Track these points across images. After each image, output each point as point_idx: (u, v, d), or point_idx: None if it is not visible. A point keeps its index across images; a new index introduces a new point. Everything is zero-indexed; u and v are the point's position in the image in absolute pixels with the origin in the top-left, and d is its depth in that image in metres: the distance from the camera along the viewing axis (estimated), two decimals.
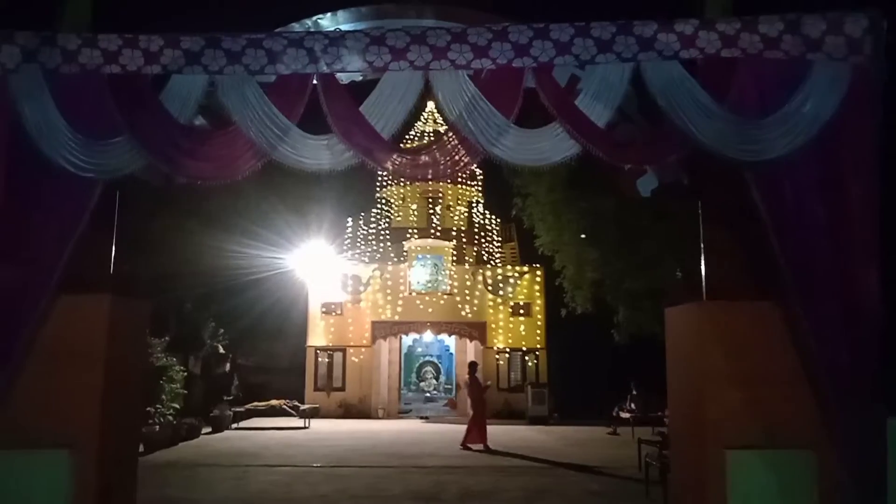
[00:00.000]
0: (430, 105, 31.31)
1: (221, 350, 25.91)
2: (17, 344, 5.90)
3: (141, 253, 20.82)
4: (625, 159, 6.40)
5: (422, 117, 31.21)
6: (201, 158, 6.12)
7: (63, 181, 6.06)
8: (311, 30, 6.51)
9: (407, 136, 30.71)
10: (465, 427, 17.00)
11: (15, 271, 5.96)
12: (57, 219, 6.12)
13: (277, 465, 13.83)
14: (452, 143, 6.06)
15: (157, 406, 18.31)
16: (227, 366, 27.43)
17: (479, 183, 30.05)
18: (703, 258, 6.56)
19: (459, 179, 29.20)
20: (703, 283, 6.41)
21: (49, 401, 6.08)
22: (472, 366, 17.62)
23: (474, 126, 5.80)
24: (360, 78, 6.36)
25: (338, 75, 6.13)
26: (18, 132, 5.98)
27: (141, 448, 15.71)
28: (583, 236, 18.81)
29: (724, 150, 5.76)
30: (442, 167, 6.08)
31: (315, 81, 6.08)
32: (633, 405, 20.13)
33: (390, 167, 6.29)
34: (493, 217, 29.28)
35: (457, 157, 6.00)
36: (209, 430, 19.67)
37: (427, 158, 6.17)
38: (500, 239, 29.31)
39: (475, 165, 29.70)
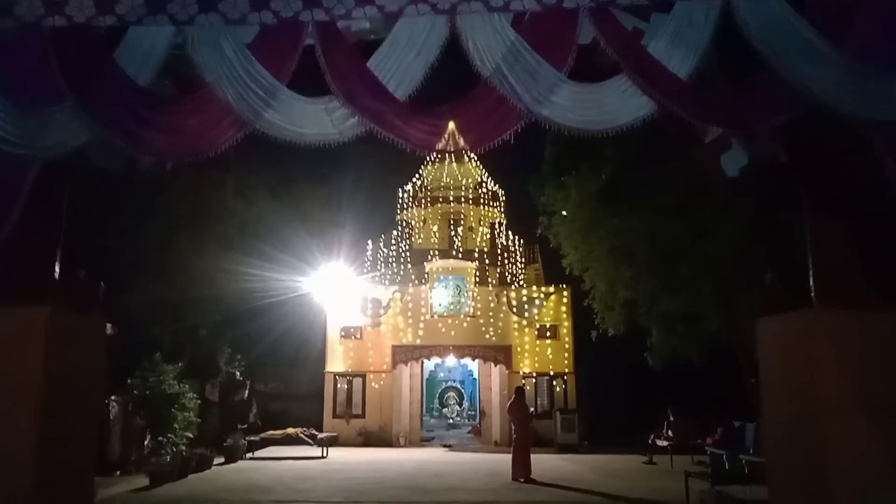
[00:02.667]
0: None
1: (239, 376, 24.47)
2: None
3: (158, 279, 19.66)
4: (713, 120, 4.81)
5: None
6: (168, 130, 4.63)
7: None
8: None
9: (427, 159, 29.44)
10: (490, 455, 15.20)
11: None
12: None
13: (291, 500, 12.21)
14: (489, 102, 4.52)
15: (169, 435, 16.87)
16: (245, 392, 26.00)
17: (502, 204, 28.58)
18: (809, 256, 4.91)
19: (482, 200, 27.77)
20: (812, 288, 4.79)
21: None
22: (519, 391, 15.68)
23: (516, 81, 4.32)
24: (369, 29, 4.84)
25: (339, 24, 4.65)
26: None
27: (147, 481, 14.39)
28: (615, 254, 17.16)
29: (845, 107, 4.18)
30: (475, 135, 4.57)
31: (310, 31, 4.60)
32: (670, 432, 18.27)
33: (408, 136, 4.74)
34: (517, 238, 27.69)
35: (494, 122, 4.48)
36: (222, 460, 18.07)
37: (456, 123, 4.65)
38: (523, 260, 27.68)
39: (497, 185, 28.49)
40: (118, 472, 15.57)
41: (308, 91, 4.66)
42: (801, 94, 4.20)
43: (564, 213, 18.41)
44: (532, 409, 17.59)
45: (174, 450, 16.51)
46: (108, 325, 15.16)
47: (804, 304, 4.95)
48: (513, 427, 15.21)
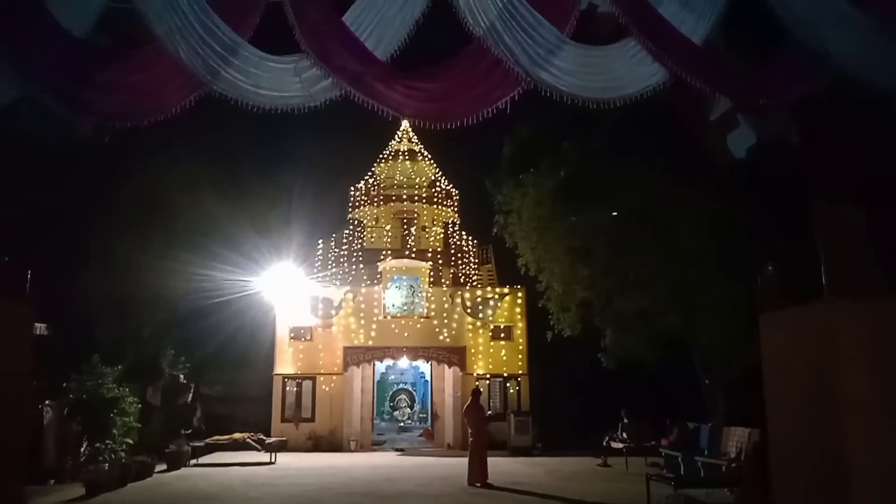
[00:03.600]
0: (405, 123, 29.55)
1: (182, 379, 23.34)
2: None
3: (98, 273, 18.46)
4: (729, 90, 4.33)
5: (395, 136, 29.28)
6: (108, 89, 3.96)
7: None
8: None
9: (380, 156, 28.76)
10: (444, 459, 14.61)
11: None
12: None
13: None
14: (481, 65, 3.97)
15: (108, 442, 15.83)
16: (189, 396, 24.83)
17: (455, 203, 28.07)
18: (819, 244, 4.51)
19: (436, 199, 27.22)
20: (825, 279, 4.39)
21: None
22: (476, 393, 14.99)
23: (513, 42, 3.79)
24: None
25: None
26: None
27: (83, 491, 13.37)
28: (572, 253, 16.80)
29: (871, 75, 3.79)
30: (465, 102, 4.00)
31: None
32: (624, 434, 18.02)
33: (389, 102, 4.14)
34: (470, 238, 27.24)
35: (487, 87, 3.93)
36: (164, 467, 17.06)
37: (444, 88, 4.08)
38: (476, 261, 27.25)
39: (451, 185, 28.06)
40: (52, 481, 14.53)
41: (275, 49, 4.02)
42: (823, 64, 3.81)
43: (521, 211, 17.98)
44: (489, 411, 17.02)
45: (113, 457, 15.50)
46: (43, 325, 14.19)
47: (805, 298, 4.56)
48: (469, 430, 14.65)
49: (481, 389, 16.15)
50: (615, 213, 15.84)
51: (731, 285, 15.16)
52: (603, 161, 15.69)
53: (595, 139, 15.85)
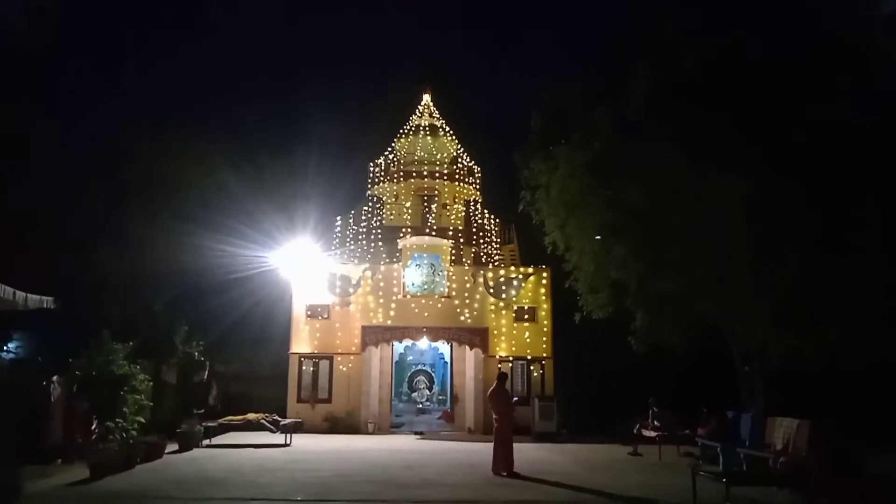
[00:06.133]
0: (426, 98, 28.54)
1: (198, 356, 22.68)
2: None
3: (108, 249, 17.78)
4: None
5: (416, 110, 28.36)
6: None
7: None
8: None
9: (400, 131, 27.88)
10: (465, 444, 13.70)
11: None
12: None
13: (247, 498, 10.65)
14: None
15: (118, 420, 15.10)
16: (205, 374, 24.23)
17: (477, 180, 27.08)
18: None
19: (457, 176, 26.24)
20: None
21: None
22: (502, 377, 14.02)
23: None
24: None
25: None
26: None
27: (87, 473, 12.67)
28: (606, 231, 15.75)
29: None
30: None
31: None
32: (656, 422, 17.06)
33: None
34: (492, 217, 26.26)
35: None
36: (175, 448, 16.39)
37: None
38: (499, 240, 26.28)
39: (473, 162, 27.04)
40: (59, 461, 13.89)
41: None
42: None
43: (550, 186, 16.92)
44: (515, 397, 16.01)
45: (124, 436, 14.82)
46: (49, 298, 13.45)
47: None
48: (493, 416, 13.75)
49: (506, 373, 15.19)
50: (651, 189, 14.75)
51: (771, 268, 14.13)
52: (639, 132, 14.59)
53: (630, 109, 14.74)
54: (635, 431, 17.18)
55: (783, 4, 13.98)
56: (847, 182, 12.89)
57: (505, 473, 12.86)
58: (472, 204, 26.32)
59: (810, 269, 13.48)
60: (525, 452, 15.97)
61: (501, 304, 22.71)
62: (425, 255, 23.00)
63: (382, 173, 26.52)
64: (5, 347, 22.69)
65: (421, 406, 27.15)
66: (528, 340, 22.62)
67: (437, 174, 25.92)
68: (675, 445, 16.79)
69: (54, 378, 14.69)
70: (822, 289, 13.56)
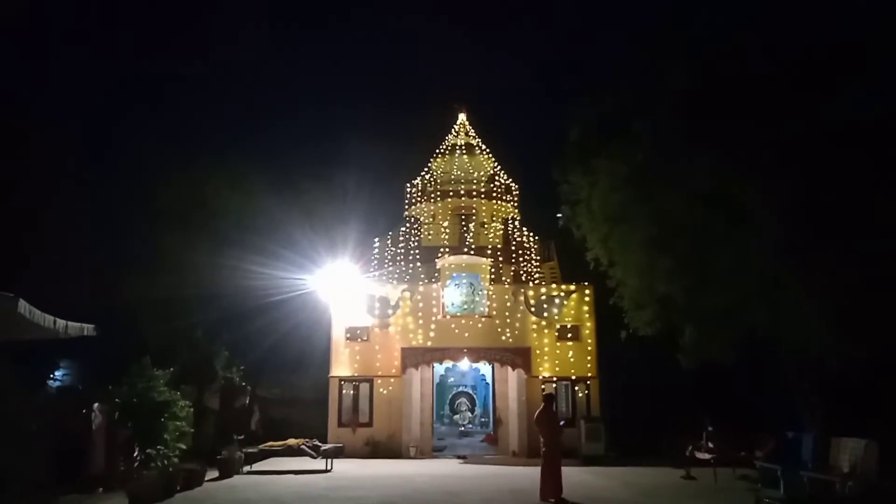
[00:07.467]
0: (462, 117, 28.30)
1: (239, 381, 22.56)
2: None
3: (146, 274, 17.74)
4: None
5: (452, 130, 28.13)
6: None
7: None
8: None
9: (436, 151, 27.65)
10: (510, 469, 13.15)
11: None
12: None
13: None
14: None
15: (160, 448, 14.95)
16: (247, 399, 24.13)
17: (515, 198, 26.64)
18: None
19: (494, 194, 25.85)
20: None
21: None
22: (549, 399, 13.51)
23: None
24: None
25: None
26: None
27: (126, 502, 12.45)
28: (652, 244, 15.13)
29: None
30: None
31: None
32: (710, 444, 16.25)
33: None
34: (531, 234, 25.77)
35: None
36: (216, 475, 16.14)
37: None
38: (538, 257, 25.73)
39: (510, 179, 26.67)
40: (100, 489, 13.70)
41: None
42: None
43: (591, 201, 16.40)
44: (561, 420, 15.31)
45: (165, 463, 14.64)
46: (90, 325, 13.36)
47: None
48: (541, 439, 13.18)
49: (553, 395, 14.59)
50: (693, 199, 14.14)
51: (817, 279, 13.33)
52: (679, 140, 14.01)
53: (669, 117, 14.18)
54: (687, 453, 16.40)
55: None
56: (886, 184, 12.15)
57: (553, 500, 12.29)
58: (510, 222, 25.87)
59: (865, 273, 12.68)
60: (572, 476, 15.34)
61: (543, 322, 22.12)
62: (464, 274, 22.58)
63: (419, 194, 26.28)
64: (52, 375, 22.89)
65: (463, 429, 26.58)
66: (571, 360, 21.96)
67: (474, 193, 25.57)
68: (731, 468, 15.98)
69: (95, 406, 14.58)
70: (880, 293, 12.74)
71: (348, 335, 22.29)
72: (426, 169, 27.04)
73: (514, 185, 26.81)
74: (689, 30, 14.52)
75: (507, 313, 22.11)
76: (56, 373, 23.35)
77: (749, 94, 13.23)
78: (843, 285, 13.10)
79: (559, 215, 18.67)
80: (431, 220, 25.69)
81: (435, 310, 22.20)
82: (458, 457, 20.91)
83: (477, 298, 22.37)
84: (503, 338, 21.82)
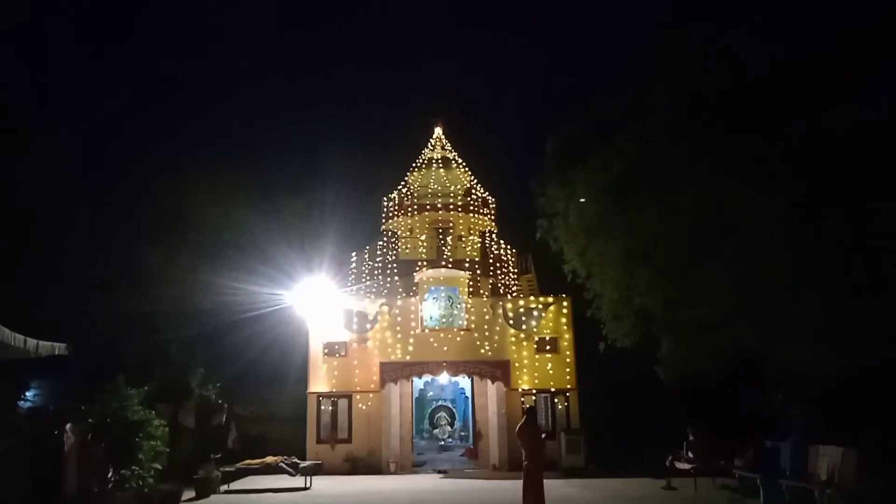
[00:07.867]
0: (438, 131, 28.36)
1: (215, 398, 22.19)
2: None
3: (120, 289, 17.42)
4: None
5: (428, 144, 28.18)
6: None
7: None
8: None
9: (413, 164, 27.67)
10: (491, 483, 13.02)
11: None
12: None
13: None
14: None
15: (134, 468, 14.61)
16: (224, 417, 23.72)
17: (492, 211, 26.71)
18: None
19: (471, 207, 25.89)
20: None
21: None
22: (530, 412, 13.34)
23: None
24: None
25: None
26: None
27: None
28: (629, 256, 15.18)
29: None
30: None
31: None
32: (690, 454, 16.32)
33: None
34: (509, 247, 25.82)
35: None
36: (192, 495, 15.84)
37: None
38: (516, 270, 25.78)
39: (487, 193, 26.71)
40: None
41: None
42: None
43: (568, 213, 16.43)
44: (543, 433, 15.17)
45: (140, 483, 14.32)
46: (62, 344, 13.08)
47: None
48: (523, 453, 13.09)
49: (535, 407, 14.53)
50: (677, 212, 14.19)
51: (809, 291, 13.43)
52: (662, 154, 14.07)
53: (652, 131, 14.24)
54: (668, 464, 16.45)
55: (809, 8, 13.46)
56: (885, 195, 12.27)
57: None
58: (487, 235, 25.91)
59: (850, 287, 12.79)
60: (554, 490, 15.27)
61: (522, 335, 22.11)
62: (442, 287, 22.52)
63: (396, 207, 26.24)
64: (23, 396, 22.35)
65: (443, 443, 26.43)
66: (550, 372, 21.97)
67: (451, 206, 25.61)
68: (711, 477, 16.05)
69: (67, 426, 14.23)
70: (864, 306, 12.86)
71: (326, 350, 22.09)
72: (403, 183, 27.04)
73: (491, 198, 26.89)
74: (685, 37, 14.50)
75: (485, 326, 22.07)
76: (27, 393, 22.82)
77: (746, 103, 13.25)
78: (836, 297, 13.16)
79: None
80: (409, 233, 25.65)
81: (413, 324, 22.10)
82: (439, 471, 20.75)
83: (455, 312, 22.31)
84: (482, 351, 21.77)
